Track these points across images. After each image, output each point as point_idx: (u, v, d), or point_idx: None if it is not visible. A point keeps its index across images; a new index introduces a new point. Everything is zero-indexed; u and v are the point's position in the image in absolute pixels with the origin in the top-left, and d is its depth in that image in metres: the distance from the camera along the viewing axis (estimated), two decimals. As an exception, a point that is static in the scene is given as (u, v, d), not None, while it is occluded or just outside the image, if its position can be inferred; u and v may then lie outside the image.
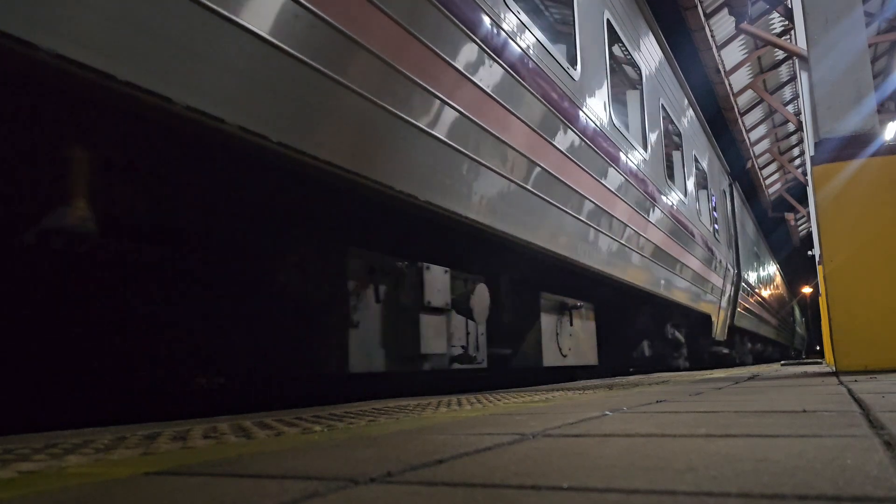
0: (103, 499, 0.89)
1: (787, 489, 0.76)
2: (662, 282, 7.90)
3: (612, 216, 5.91)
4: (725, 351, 13.22)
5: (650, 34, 7.76)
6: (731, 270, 13.40)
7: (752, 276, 17.04)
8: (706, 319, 11.01)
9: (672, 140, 9.48)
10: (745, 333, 16.72)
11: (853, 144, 4.26)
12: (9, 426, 2.66)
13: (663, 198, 7.94)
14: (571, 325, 6.11)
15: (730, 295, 13.19)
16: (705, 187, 11.61)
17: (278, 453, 1.26)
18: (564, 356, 5.88)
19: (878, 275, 4.07)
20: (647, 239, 7.11)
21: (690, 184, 9.87)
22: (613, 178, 5.99)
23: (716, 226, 11.90)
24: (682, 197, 9.10)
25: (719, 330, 12.05)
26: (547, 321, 5.60)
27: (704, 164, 11.24)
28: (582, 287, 6.24)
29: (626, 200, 6.36)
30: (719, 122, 13.88)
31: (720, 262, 11.98)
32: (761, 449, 1.07)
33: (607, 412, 1.93)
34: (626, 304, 8.03)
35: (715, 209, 12.00)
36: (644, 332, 9.01)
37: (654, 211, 7.43)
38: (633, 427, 1.49)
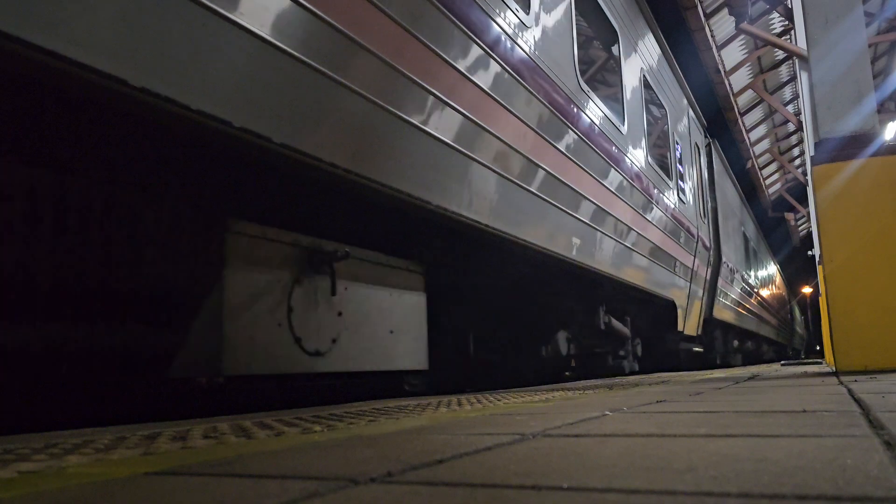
0: (103, 499, 0.89)
1: (787, 489, 0.76)
2: (577, 241, 5.04)
3: (444, 104, 3.34)
4: (699, 349, 10.68)
5: None
6: (707, 248, 10.54)
7: (738, 261, 14.36)
8: (669, 307, 8.42)
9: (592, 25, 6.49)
10: (731, 329, 14.12)
11: (853, 144, 4.27)
12: (9, 426, 2.66)
13: (574, 105, 5.02)
14: (334, 293, 3.21)
15: (705, 279, 10.45)
16: (661, 120, 8.64)
17: (278, 453, 1.26)
18: (313, 354, 3.06)
19: (878, 275, 4.08)
20: (536, 164, 4.33)
21: (632, 104, 6.72)
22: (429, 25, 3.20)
23: (681, 183, 8.79)
24: (616, 122, 6.07)
25: (689, 322, 9.35)
26: (247, 283, 2.76)
27: (659, 90, 8.09)
28: (404, 235, 3.81)
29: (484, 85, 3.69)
30: (719, 122, 13.88)
31: (688, 232, 9.10)
32: (761, 449, 1.07)
33: (607, 412, 1.93)
34: (513, 272, 5.16)
35: (681, 162, 8.89)
36: (554, 318, 6.00)
37: (551, 121, 4.57)
38: (633, 427, 1.49)
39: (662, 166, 8.20)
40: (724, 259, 11.98)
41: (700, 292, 10.16)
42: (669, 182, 8.24)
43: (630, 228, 6.50)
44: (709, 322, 11.19)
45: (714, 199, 11.79)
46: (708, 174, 11.53)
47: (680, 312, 8.70)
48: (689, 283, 9.24)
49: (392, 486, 0.89)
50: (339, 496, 0.84)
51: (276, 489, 0.90)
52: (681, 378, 5.21)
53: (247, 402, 4.04)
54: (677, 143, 8.86)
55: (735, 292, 13.75)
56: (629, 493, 0.79)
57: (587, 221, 5.31)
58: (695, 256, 9.56)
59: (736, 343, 15.36)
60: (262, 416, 2.36)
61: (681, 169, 8.98)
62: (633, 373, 8.00)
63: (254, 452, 1.28)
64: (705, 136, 11.51)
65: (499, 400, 2.83)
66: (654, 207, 7.44)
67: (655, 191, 7.47)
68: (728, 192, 13.56)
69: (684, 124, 9.58)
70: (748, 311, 16.10)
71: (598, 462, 1.01)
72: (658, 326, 8.71)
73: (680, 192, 8.78)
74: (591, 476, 0.90)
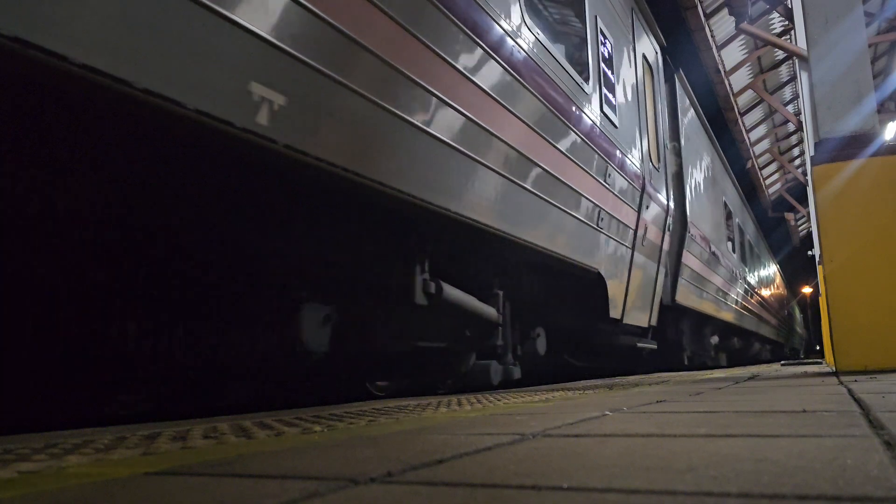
0: (103, 499, 0.89)
1: (787, 489, 0.76)
2: (277, 100, 2.32)
3: None
4: (652, 345, 7.55)
5: None
6: (664, 208, 7.64)
7: (716, 234, 11.31)
8: (593, 282, 5.55)
9: None
10: (708, 322, 11.35)
11: (853, 144, 4.27)
12: (9, 426, 2.66)
13: None
14: None
15: (661, 248, 7.59)
16: None
17: (278, 453, 1.26)
18: None
19: (878, 275, 4.08)
20: None
21: None
22: None
23: (609, 96, 5.78)
24: None
25: (632, 306, 6.56)
26: None
27: None
28: None
29: None
30: (719, 121, 13.87)
31: (625, 174, 6.07)
32: (761, 449, 1.07)
33: (607, 412, 1.93)
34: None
35: (609, 66, 5.87)
36: (301, 282, 3.35)
37: None
38: (633, 427, 1.49)
39: (574, 60, 5.50)
40: (691, 227, 9.08)
41: (653, 267, 7.32)
42: (584, 86, 5.10)
43: (473, 122, 3.52)
44: (671, 310, 8.53)
45: (678, 145, 8.94)
46: (668, 110, 8.69)
47: (613, 291, 5.86)
48: (630, 250, 6.35)
49: (392, 486, 0.89)
50: (338, 496, 0.84)
51: (275, 489, 0.90)
52: (681, 378, 5.21)
53: (247, 402, 4.04)
54: (604, 38, 5.91)
55: (711, 274, 10.88)
56: (629, 493, 0.79)
57: (311, 62, 2.50)
58: (639, 212, 6.56)
59: (716, 340, 12.44)
60: (262, 416, 2.36)
61: (609, 75, 5.88)
62: (507, 384, 4.91)
63: (254, 452, 1.28)
64: (664, 58, 8.51)
65: (499, 400, 2.83)
66: (544, 108, 4.30)
67: (547, 85, 4.39)
68: (700, 146, 10.68)
69: (620, 19, 6.57)
70: (732, 299, 13.31)
71: (598, 462, 1.01)
72: (579, 311, 5.93)
73: (606, 106, 5.66)
74: (591, 476, 0.90)
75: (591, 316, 5.90)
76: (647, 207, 6.94)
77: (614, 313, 5.99)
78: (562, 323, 6.04)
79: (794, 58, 8.94)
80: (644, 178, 6.78)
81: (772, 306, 22.20)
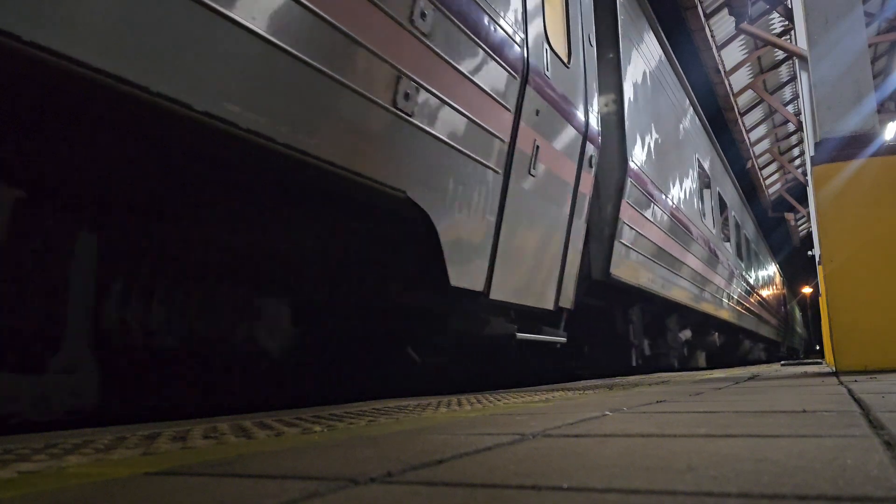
0: (103, 499, 0.89)
1: (787, 489, 0.76)
2: None
3: None
4: (561, 338, 4.97)
5: None
6: (581, 124, 5.09)
7: (681, 193, 8.80)
8: (406, 219, 3.22)
9: None
10: (673, 309, 8.73)
11: (853, 144, 4.27)
12: (9, 426, 2.66)
13: None
14: None
15: (574, 187, 5.04)
16: None
17: (278, 453, 1.26)
18: None
19: (878, 275, 4.08)
20: None
21: None
22: None
23: None
24: None
25: (506, 271, 4.00)
26: None
27: None
28: None
29: None
30: (719, 121, 13.87)
31: (457, 15, 3.30)
32: (761, 449, 1.07)
33: (607, 412, 1.93)
34: None
35: None
36: None
37: None
38: (633, 427, 1.49)
39: None
40: (635, 172, 6.66)
41: (560, 214, 4.85)
42: None
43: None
44: (603, 287, 6.18)
45: (616, 58, 6.67)
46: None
47: (457, 238, 3.51)
48: (499, 175, 3.91)
49: (392, 486, 0.89)
50: (338, 496, 0.84)
51: (275, 489, 0.90)
52: (681, 378, 5.21)
53: (247, 402, 4.03)
54: None
55: (675, 245, 8.36)
56: (629, 493, 0.79)
57: None
58: (519, 116, 4.08)
59: (687, 334, 9.94)
60: (262, 416, 2.36)
61: None
62: (86, 419, 2.60)
63: (254, 452, 1.28)
64: None
65: (499, 400, 2.83)
66: None
67: None
68: (659, 74, 8.35)
69: None
70: (714, 285, 10.97)
71: (598, 462, 1.01)
72: (395, 275, 3.82)
73: None
74: (591, 476, 0.90)
75: (415, 283, 3.70)
76: (538, 114, 4.37)
77: (463, 280, 3.56)
78: (362, 295, 3.77)
79: (794, 58, 8.93)
80: (527, 64, 4.22)
81: (770, 304, 21.15)
